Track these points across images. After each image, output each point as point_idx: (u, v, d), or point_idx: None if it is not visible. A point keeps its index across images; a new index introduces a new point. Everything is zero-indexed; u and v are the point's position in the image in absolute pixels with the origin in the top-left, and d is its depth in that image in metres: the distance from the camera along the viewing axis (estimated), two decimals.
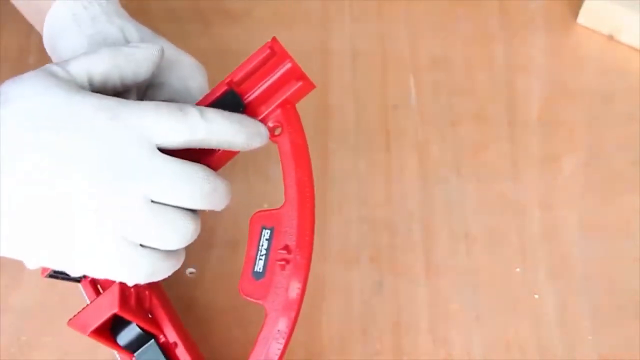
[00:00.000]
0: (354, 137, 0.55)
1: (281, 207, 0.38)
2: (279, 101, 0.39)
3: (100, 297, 0.39)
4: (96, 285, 0.43)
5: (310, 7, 0.63)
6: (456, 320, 0.46)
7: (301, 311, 0.45)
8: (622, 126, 0.56)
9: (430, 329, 0.46)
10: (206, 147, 0.37)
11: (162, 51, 0.40)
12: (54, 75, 0.37)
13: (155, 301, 0.41)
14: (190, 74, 0.43)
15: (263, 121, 0.39)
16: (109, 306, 0.38)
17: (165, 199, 0.36)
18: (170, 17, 0.55)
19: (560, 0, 0.63)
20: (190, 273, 0.48)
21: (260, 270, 0.38)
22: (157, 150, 0.36)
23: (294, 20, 0.62)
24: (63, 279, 0.41)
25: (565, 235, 0.50)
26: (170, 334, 0.41)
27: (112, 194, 0.35)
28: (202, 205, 0.36)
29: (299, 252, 0.37)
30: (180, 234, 0.36)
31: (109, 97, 0.36)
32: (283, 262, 0.37)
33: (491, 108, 0.57)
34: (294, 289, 0.38)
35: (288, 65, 0.39)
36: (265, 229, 0.38)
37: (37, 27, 0.48)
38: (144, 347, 0.40)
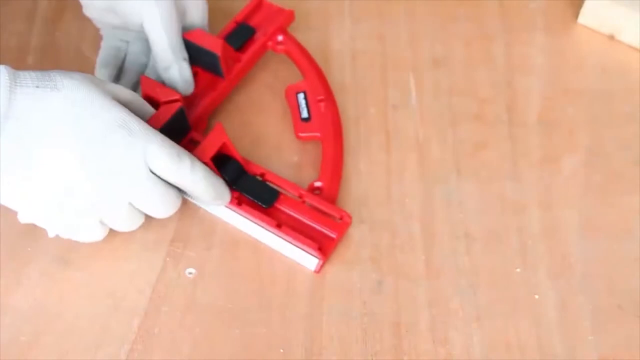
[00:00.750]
0: (354, 136, 0.55)
1: (304, 79, 0.56)
2: (274, 27, 0.58)
3: (210, 135, 0.49)
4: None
5: (310, 7, 0.63)
6: (456, 320, 0.46)
7: (301, 310, 0.46)
8: (622, 126, 0.56)
9: (430, 329, 0.46)
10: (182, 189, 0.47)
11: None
12: (94, 83, 0.45)
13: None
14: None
15: (266, 41, 0.58)
16: (218, 139, 0.49)
17: (143, 208, 0.47)
18: None
19: (560, 0, 0.63)
20: (190, 273, 0.48)
21: (307, 116, 0.54)
22: (150, 173, 0.45)
23: (294, 22, 0.62)
24: None
25: (565, 235, 0.50)
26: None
27: (105, 191, 0.45)
28: (165, 216, 0.48)
29: (327, 96, 0.55)
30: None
31: (132, 117, 0.45)
32: (322, 101, 0.54)
33: (491, 108, 0.57)
34: (334, 116, 0.55)
35: (274, 8, 0.60)
36: (299, 93, 0.55)
37: None
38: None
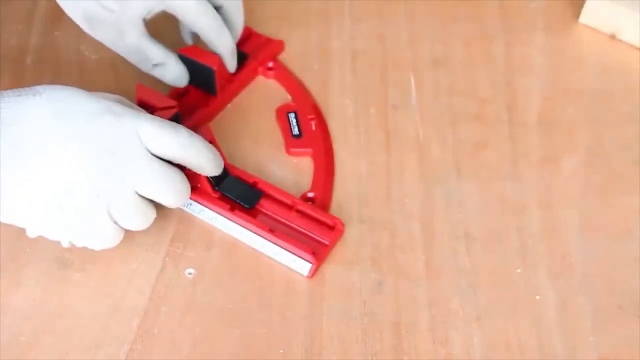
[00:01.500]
0: (354, 137, 0.55)
1: (292, 100, 0.58)
2: (264, 55, 0.60)
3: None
4: None
5: (310, 7, 0.63)
6: (456, 320, 0.46)
7: (301, 310, 0.47)
8: (623, 126, 0.56)
9: (431, 329, 0.46)
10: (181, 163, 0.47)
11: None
12: (77, 88, 0.46)
13: None
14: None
15: (256, 67, 0.59)
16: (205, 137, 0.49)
17: (150, 194, 0.46)
18: (172, 16, 0.55)
19: (561, 0, 0.63)
20: (189, 274, 0.48)
21: (298, 132, 0.55)
22: (149, 154, 0.45)
23: (294, 19, 0.62)
24: None
25: (565, 235, 0.50)
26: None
27: (107, 181, 0.44)
28: (173, 202, 0.47)
29: (317, 116, 0.56)
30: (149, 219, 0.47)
31: (116, 103, 0.46)
32: (313, 119, 0.55)
33: (491, 108, 0.57)
34: (325, 134, 0.55)
35: (263, 38, 0.61)
36: (290, 112, 0.56)
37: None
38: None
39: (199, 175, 0.49)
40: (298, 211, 0.50)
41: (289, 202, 0.50)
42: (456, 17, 0.63)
